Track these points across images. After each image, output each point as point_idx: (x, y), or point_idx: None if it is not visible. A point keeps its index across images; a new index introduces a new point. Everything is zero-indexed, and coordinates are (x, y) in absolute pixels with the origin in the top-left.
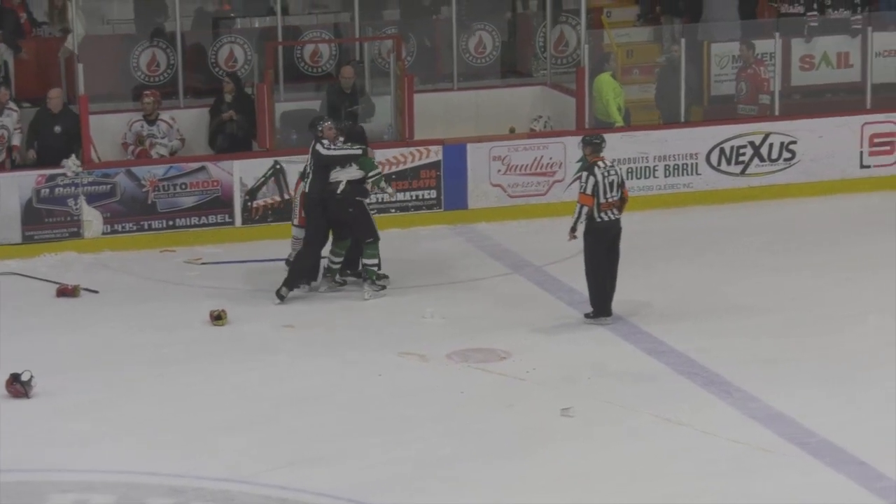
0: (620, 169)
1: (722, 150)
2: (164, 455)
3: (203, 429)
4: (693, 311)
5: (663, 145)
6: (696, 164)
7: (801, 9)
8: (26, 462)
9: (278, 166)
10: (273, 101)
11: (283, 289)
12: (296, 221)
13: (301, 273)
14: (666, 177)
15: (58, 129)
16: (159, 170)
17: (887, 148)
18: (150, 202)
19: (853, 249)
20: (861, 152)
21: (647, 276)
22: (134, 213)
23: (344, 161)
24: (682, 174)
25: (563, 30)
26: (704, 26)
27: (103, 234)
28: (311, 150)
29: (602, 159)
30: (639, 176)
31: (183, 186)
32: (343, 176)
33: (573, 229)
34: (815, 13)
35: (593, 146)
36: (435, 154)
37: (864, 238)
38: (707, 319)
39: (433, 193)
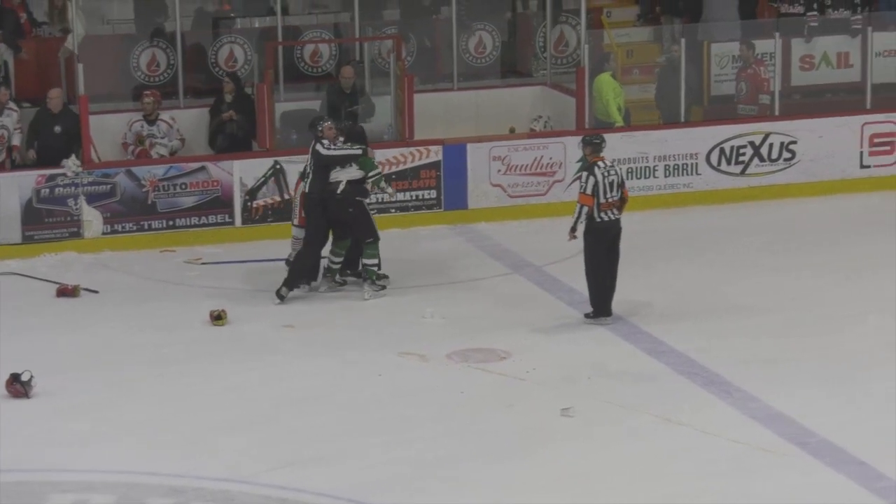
0: (620, 169)
1: (722, 150)
2: (163, 455)
3: (203, 429)
4: (693, 311)
5: (663, 145)
6: (696, 164)
7: (801, 9)
8: (26, 462)
9: (278, 166)
10: (273, 101)
11: (283, 289)
12: (296, 221)
13: (301, 273)
14: (666, 177)
15: (58, 129)
16: (159, 170)
17: (887, 148)
18: (150, 202)
19: (853, 249)
20: (861, 152)
21: (647, 276)
22: (134, 213)
23: (344, 161)
24: (682, 174)
25: (563, 30)
26: (704, 26)
27: (103, 234)
28: (311, 150)
29: (602, 159)
30: (639, 176)
31: (183, 186)
32: (343, 176)
33: (573, 229)
34: (815, 13)
35: (593, 146)
36: (435, 154)
37: (864, 238)
38: (707, 319)
39: (433, 193)
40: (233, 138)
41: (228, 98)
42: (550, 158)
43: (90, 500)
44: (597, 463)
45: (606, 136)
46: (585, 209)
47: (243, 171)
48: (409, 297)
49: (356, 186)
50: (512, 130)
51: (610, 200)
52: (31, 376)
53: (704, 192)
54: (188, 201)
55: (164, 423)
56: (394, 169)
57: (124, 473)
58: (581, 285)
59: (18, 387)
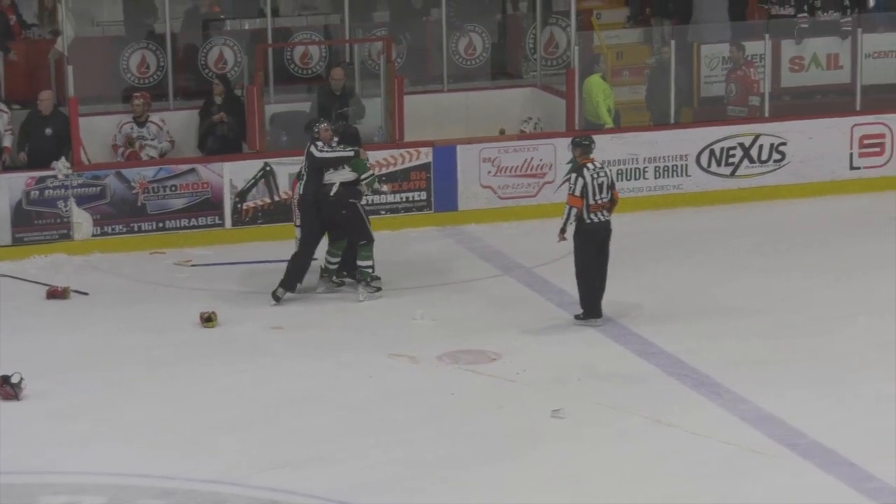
0: (610, 170)
1: (712, 152)
2: (155, 457)
3: (195, 431)
4: (683, 312)
5: (653, 147)
6: (686, 165)
7: (791, 10)
8: (17, 464)
9: (268, 168)
10: (263, 103)
11: (280, 290)
12: (298, 222)
13: (297, 273)
14: (656, 178)
15: (48, 131)
16: (149, 172)
17: (877, 149)
18: (139, 204)
19: (843, 251)
20: (851, 154)
21: (637, 278)
22: (124, 215)
23: (336, 163)
24: (672, 176)
25: (552, 31)
26: (694, 28)
27: (93, 235)
28: (305, 151)
29: (591, 161)
30: (629, 177)
31: (173, 188)
32: (336, 178)
33: (562, 231)
34: (806, 15)
35: (582, 148)
36: (425, 156)
37: (853, 240)
38: (697, 321)
39: (423, 195)
40: (223, 140)
41: (218, 100)
42: (540, 160)
43: (81, 501)
44: (587, 464)
45: (596, 137)
46: (574, 211)
47: (233, 173)
48: (399, 299)
49: (349, 188)
50: (502, 132)
51: (599, 202)
52: (22, 378)
53: (694, 193)
54: (178, 203)
55: (155, 425)
56: (384, 171)
57: (115, 475)
58: (571, 287)
59: (8, 389)
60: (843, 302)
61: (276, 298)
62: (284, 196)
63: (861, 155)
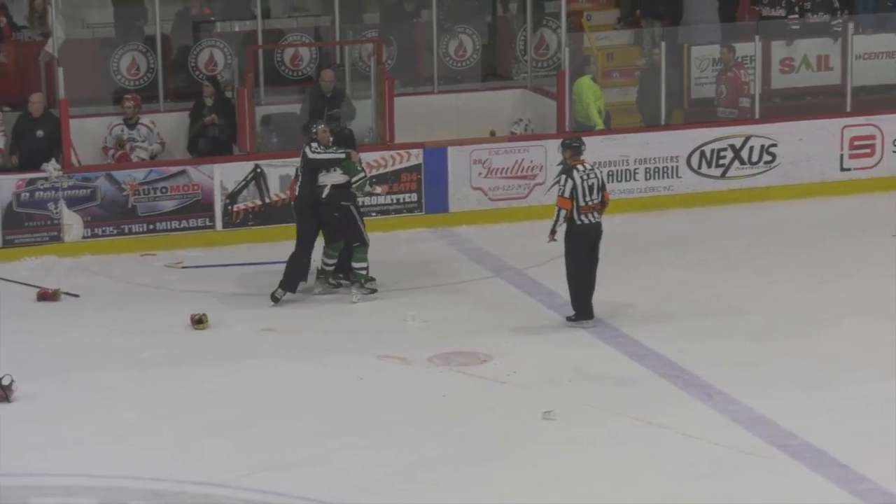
0: (601, 172)
1: (702, 153)
2: (145, 459)
3: (184, 433)
4: (674, 313)
5: (644, 148)
6: (677, 167)
7: (782, 12)
8: (7, 466)
9: (259, 170)
10: (253, 105)
11: (279, 290)
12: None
13: (295, 274)
14: (646, 180)
15: (39, 133)
16: (140, 173)
17: (867, 151)
18: (130, 206)
19: (833, 252)
20: (841, 155)
21: (628, 279)
22: (114, 217)
23: (328, 165)
24: (663, 177)
25: (543, 33)
26: (685, 29)
27: (84, 237)
28: (301, 152)
29: (582, 162)
30: (619, 179)
31: (163, 190)
32: (328, 180)
33: (553, 232)
34: (796, 16)
35: (572, 149)
36: (416, 157)
37: (844, 241)
38: (688, 322)
39: (414, 197)
40: (214, 142)
41: (209, 102)
42: (531, 162)
43: (72, 503)
44: (578, 466)
45: (587, 139)
46: (563, 212)
47: (224, 175)
48: (390, 301)
49: (341, 191)
50: (493, 134)
51: (590, 203)
52: (12, 380)
53: (685, 194)
54: (169, 205)
55: (145, 427)
56: (374, 172)
57: (106, 477)
58: (562, 288)
59: None
60: (834, 303)
61: (275, 299)
62: (276, 198)
63: (851, 156)
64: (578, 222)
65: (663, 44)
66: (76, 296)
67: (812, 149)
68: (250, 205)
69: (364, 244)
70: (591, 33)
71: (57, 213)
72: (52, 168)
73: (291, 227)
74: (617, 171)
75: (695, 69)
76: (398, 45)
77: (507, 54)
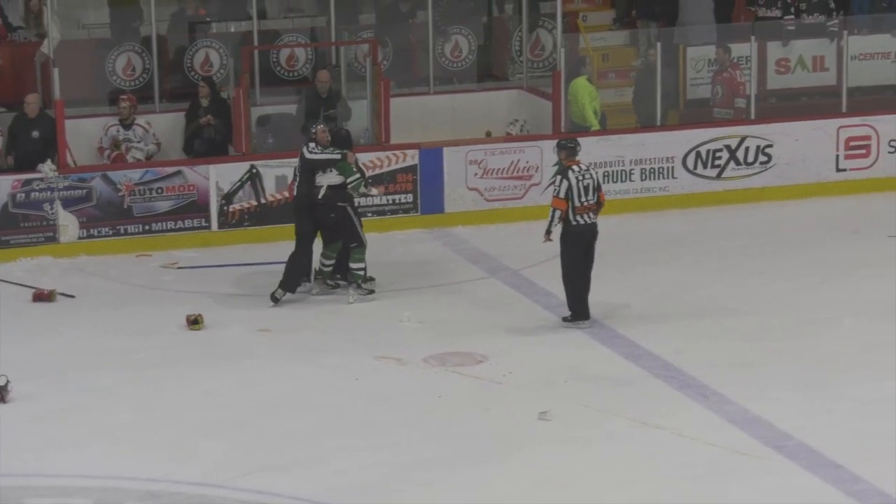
0: (597, 172)
1: (698, 154)
2: (140, 459)
3: (180, 433)
4: (669, 314)
5: (639, 149)
6: (673, 167)
7: (777, 13)
8: (2, 467)
9: (254, 170)
10: (249, 106)
11: (279, 291)
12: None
13: (294, 274)
14: (642, 180)
15: (35, 133)
16: (135, 174)
17: (863, 151)
18: (126, 206)
19: (829, 253)
20: (837, 156)
21: (623, 280)
22: (110, 218)
23: (324, 165)
24: (659, 178)
25: (539, 34)
26: (680, 30)
27: (79, 238)
28: (300, 153)
29: (577, 163)
30: (615, 179)
31: (159, 191)
32: (323, 181)
33: (548, 232)
34: (792, 17)
35: (568, 150)
36: (411, 158)
37: (839, 241)
38: (683, 323)
39: (410, 197)
40: (210, 142)
41: (204, 102)
42: (527, 162)
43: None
44: (573, 466)
45: (582, 139)
46: (558, 213)
47: (219, 176)
48: (386, 301)
49: (338, 191)
50: (488, 134)
51: (585, 204)
52: (8, 381)
53: (681, 195)
54: (164, 206)
55: (141, 428)
56: (370, 173)
57: (101, 478)
58: (558, 289)
59: None
60: (830, 304)
61: (275, 300)
62: (271, 198)
63: (847, 157)
64: (574, 223)
65: (659, 44)
66: (72, 296)
67: (808, 149)
68: (246, 205)
69: (361, 245)
70: (587, 34)
71: (52, 213)
72: (47, 169)
73: (287, 228)
74: (612, 171)
75: (690, 70)
76: (394, 45)
77: (503, 55)
